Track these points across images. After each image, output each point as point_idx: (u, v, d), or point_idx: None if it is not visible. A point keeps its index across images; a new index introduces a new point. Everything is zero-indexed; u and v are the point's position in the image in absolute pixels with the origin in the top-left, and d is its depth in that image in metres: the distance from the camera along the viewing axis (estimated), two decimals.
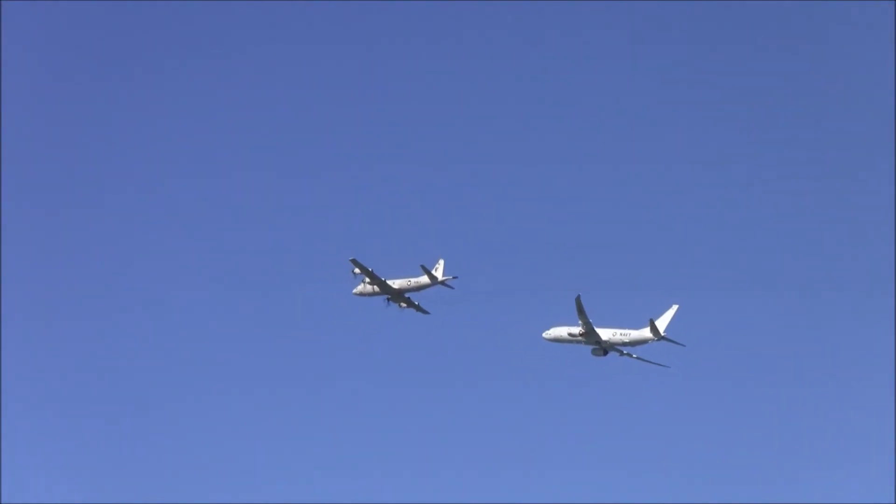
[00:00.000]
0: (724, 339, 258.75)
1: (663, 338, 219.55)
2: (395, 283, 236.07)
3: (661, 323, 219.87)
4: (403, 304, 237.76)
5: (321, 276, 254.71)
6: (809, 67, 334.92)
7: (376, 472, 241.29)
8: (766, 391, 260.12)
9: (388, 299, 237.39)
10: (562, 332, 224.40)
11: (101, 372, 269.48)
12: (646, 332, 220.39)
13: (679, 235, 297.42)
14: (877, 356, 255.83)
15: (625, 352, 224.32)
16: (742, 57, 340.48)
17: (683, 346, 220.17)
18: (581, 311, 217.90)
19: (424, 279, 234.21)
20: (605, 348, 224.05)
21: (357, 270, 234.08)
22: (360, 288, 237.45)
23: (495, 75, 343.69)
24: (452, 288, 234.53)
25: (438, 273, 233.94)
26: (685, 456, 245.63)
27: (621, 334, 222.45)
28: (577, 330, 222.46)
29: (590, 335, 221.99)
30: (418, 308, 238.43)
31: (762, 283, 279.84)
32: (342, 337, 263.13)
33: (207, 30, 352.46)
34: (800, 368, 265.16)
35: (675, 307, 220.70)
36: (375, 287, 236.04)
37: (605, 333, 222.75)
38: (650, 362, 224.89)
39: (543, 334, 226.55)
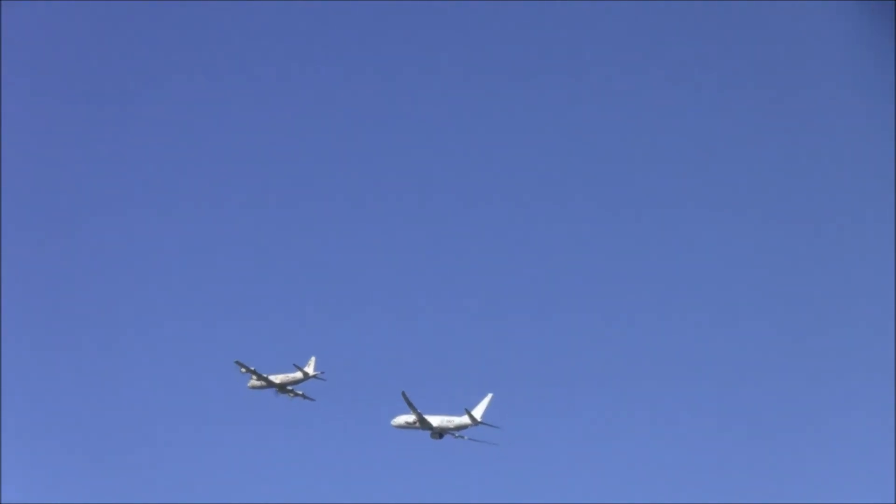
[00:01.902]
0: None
1: (480, 422, 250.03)
2: (277, 379, 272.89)
3: (478, 410, 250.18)
4: (291, 395, 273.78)
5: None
6: (809, 69, 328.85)
7: None
8: None
9: (277, 391, 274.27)
10: (401, 420, 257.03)
11: (101, 372, 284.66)
12: (465, 419, 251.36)
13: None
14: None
15: (457, 434, 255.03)
16: (739, 58, 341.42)
17: (498, 427, 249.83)
18: (409, 404, 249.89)
19: (298, 374, 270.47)
20: (439, 432, 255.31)
21: (244, 370, 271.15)
22: (251, 382, 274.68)
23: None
24: (325, 380, 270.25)
25: (310, 369, 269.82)
26: None
27: (447, 421, 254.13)
28: (412, 418, 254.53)
29: (423, 423, 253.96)
30: (304, 396, 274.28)
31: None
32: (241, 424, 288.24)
33: (207, 30, 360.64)
34: None
35: (489, 395, 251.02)
36: (263, 382, 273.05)
37: (435, 420, 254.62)
38: (480, 441, 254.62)
39: (391, 422, 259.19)
